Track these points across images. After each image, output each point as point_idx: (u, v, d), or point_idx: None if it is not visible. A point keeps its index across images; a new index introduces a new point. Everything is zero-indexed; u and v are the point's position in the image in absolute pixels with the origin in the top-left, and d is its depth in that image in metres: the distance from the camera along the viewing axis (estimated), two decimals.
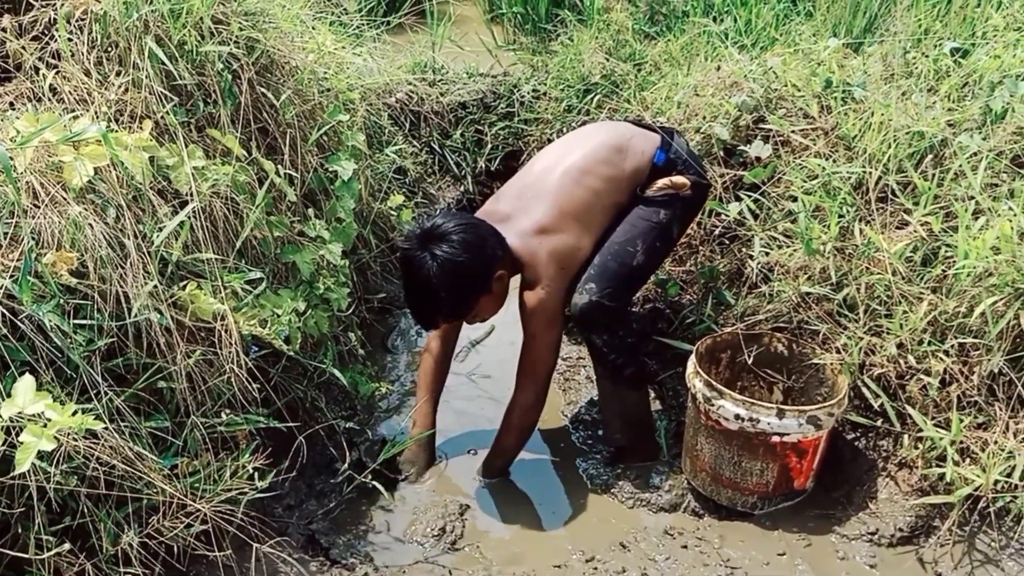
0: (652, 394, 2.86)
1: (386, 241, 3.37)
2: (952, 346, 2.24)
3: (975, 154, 2.51)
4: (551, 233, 2.44)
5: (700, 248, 3.04)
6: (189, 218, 2.07)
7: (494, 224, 2.45)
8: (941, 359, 2.24)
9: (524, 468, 2.65)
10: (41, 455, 1.58)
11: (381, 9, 4.70)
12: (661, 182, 2.59)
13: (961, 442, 2.15)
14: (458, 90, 4.30)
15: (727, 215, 2.80)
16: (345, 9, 4.08)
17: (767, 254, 2.66)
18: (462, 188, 4.13)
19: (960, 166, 2.45)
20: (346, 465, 2.46)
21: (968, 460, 2.15)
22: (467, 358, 3.20)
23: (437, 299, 2.32)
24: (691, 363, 2.43)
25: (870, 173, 2.58)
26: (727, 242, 2.98)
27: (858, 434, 2.50)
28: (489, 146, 4.19)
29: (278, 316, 2.29)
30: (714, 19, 4.62)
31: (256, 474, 2.06)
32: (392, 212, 3.38)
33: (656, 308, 3.12)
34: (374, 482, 2.41)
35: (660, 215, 2.57)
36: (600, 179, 2.52)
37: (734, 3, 4.65)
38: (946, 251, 2.37)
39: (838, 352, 2.43)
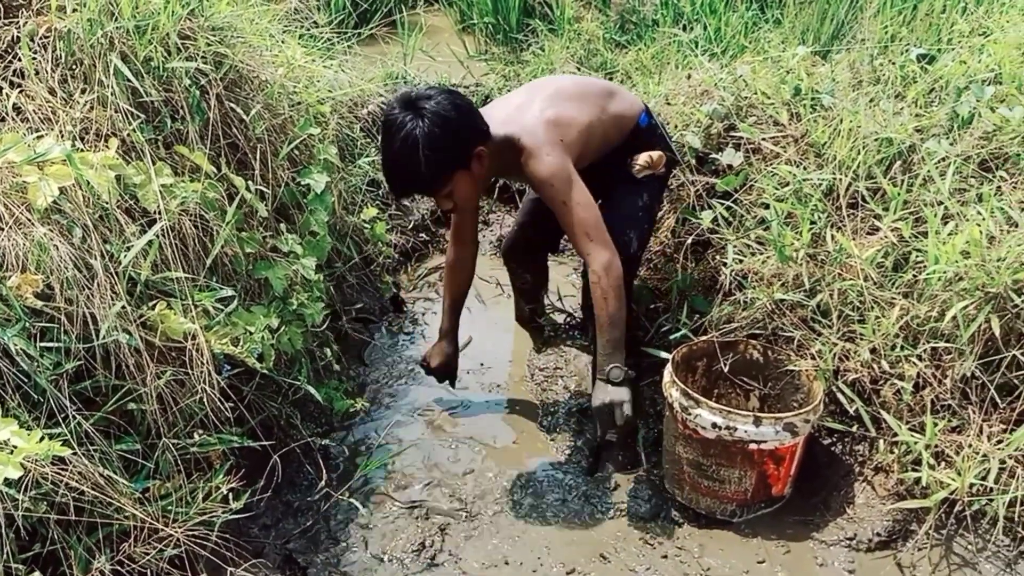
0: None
1: (360, 254, 3.34)
2: (925, 350, 2.25)
3: (943, 159, 2.54)
4: (546, 108, 2.48)
5: (675, 256, 3.04)
6: (157, 237, 2.04)
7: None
8: (914, 363, 2.26)
9: (503, 479, 2.64)
10: (8, 482, 1.55)
11: (352, 21, 4.69)
12: (642, 159, 2.66)
13: (936, 446, 2.17)
14: None
15: (700, 223, 2.81)
16: (315, 21, 4.06)
17: (740, 261, 2.68)
18: None
19: (928, 172, 2.48)
20: (323, 483, 2.43)
21: (943, 464, 2.16)
22: None
23: (416, 162, 2.25)
24: (667, 372, 2.43)
25: (840, 180, 2.60)
26: (700, 250, 2.99)
27: (835, 439, 2.52)
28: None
29: (251, 334, 2.27)
30: (684, 27, 4.65)
31: (230, 495, 2.03)
32: (366, 224, 3.36)
33: (632, 316, 3.12)
34: (351, 499, 2.39)
35: (644, 198, 2.67)
36: (592, 104, 2.58)
37: (703, 11, 4.68)
38: (917, 256, 2.39)
39: (813, 358, 2.44)
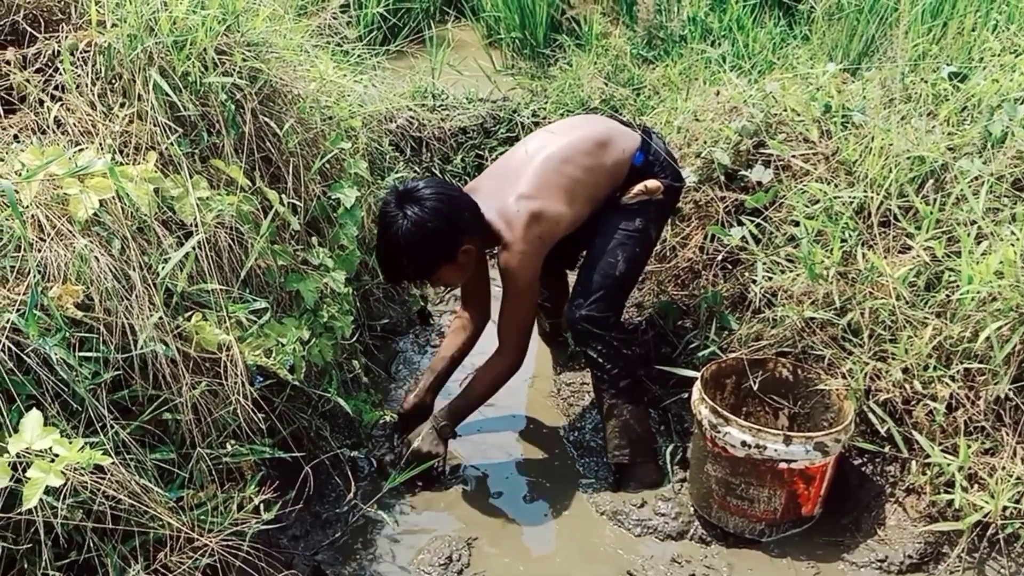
0: (656, 419, 2.86)
1: None
2: (958, 371, 2.24)
3: (976, 178, 2.52)
4: (532, 199, 2.52)
5: (703, 273, 3.04)
6: (194, 249, 2.07)
7: (474, 196, 2.53)
8: (947, 384, 2.24)
9: (530, 495, 2.64)
10: (48, 490, 1.57)
11: (381, 36, 4.74)
12: (636, 189, 2.67)
13: (969, 468, 2.14)
14: (458, 115, 4.32)
15: (729, 240, 2.80)
16: (346, 36, 4.11)
17: (770, 279, 2.67)
18: None
19: (961, 191, 2.46)
20: (352, 495, 2.45)
21: (976, 486, 2.14)
22: None
23: (401, 257, 2.43)
24: (696, 389, 2.43)
25: (871, 198, 2.59)
26: (730, 267, 2.98)
27: (865, 460, 2.49)
28: None
29: (282, 345, 2.29)
30: (712, 43, 4.66)
31: (262, 506, 2.05)
32: None
33: (659, 334, 3.12)
34: (379, 511, 2.41)
35: (636, 222, 2.66)
36: (580, 169, 2.60)
37: (732, 28, 4.69)
38: (949, 276, 2.38)
39: (843, 377, 2.43)
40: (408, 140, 4.08)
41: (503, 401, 3.08)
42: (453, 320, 2.89)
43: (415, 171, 4.04)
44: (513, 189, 2.54)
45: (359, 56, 3.91)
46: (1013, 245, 2.22)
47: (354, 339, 2.76)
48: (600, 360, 2.59)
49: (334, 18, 4.27)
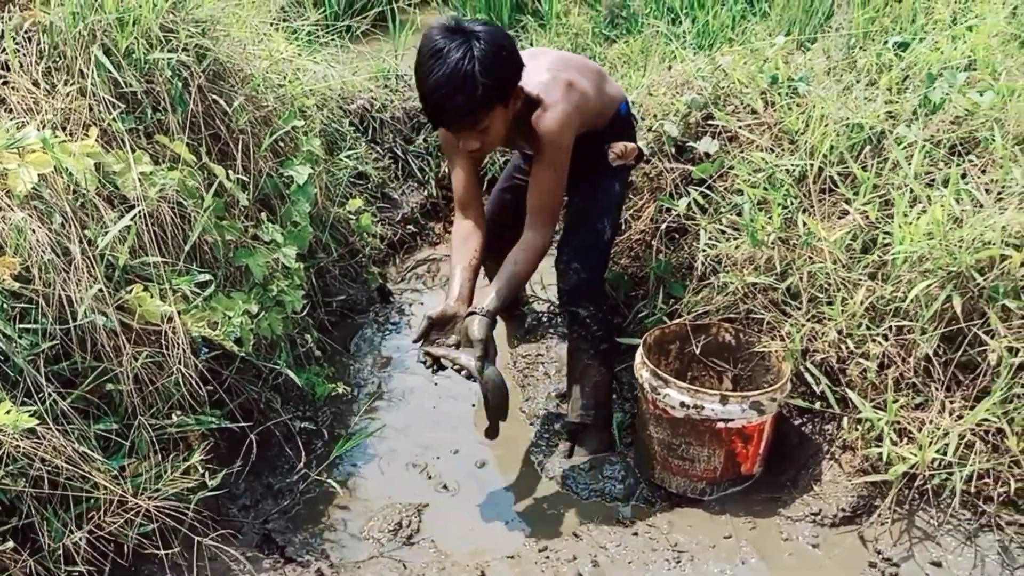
0: None
1: (345, 245, 3.40)
2: (889, 329, 2.29)
3: (912, 144, 2.57)
4: (563, 71, 2.46)
5: (652, 243, 3.08)
6: (135, 222, 2.10)
7: None
8: (879, 343, 2.29)
9: (481, 462, 2.69)
10: None
11: (349, 17, 4.75)
12: (618, 147, 2.68)
13: (898, 422, 2.20)
14: None
15: (676, 209, 2.85)
16: (307, 17, 4.13)
17: (715, 246, 2.72)
18: (425, 192, 4.16)
19: (897, 157, 2.51)
20: (302, 464, 2.49)
21: (906, 440, 2.20)
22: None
23: (472, 85, 2.14)
24: (639, 354, 2.47)
25: (811, 165, 2.64)
26: (677, 236, 3.03)
27: (805, 419, 2.55)
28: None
29: (229, 318, 2.32)
30: (673, 21, 4.69)
31: (206, 473, 2.09)
32: (351, 216, 3.42)
33: (612, 305, 3.16)
34: (329, 480, 2.45)
35: (616, 187, 2.71)
36: (588, 81, 2.55)
37: (692, 6, 4.72)
38: (884, 238, 2.43)
39: (782, 340, 2.48)
40: (370, 120, 4.10)
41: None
42: (455, 231, 2.62)
43: (376, 151, 4.07)
44: (539, 66, 2.46)
45: (316, 36, 3.93)
46: (943, 206, 2.27)
47: (307, 314, 2.79)
48: (588, 321, 2.61)
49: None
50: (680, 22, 4.66)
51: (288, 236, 2.74)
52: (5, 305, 1.84)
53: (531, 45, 4.66)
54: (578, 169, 2.65)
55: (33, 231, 1.91)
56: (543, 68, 2.48)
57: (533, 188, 2.46)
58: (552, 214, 2.49)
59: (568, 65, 2.57)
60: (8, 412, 1.57)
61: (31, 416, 1.63)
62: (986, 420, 2.12)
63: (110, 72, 2.32)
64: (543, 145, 2.41)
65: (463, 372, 2.33)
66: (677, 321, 2.63)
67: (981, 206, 2.32)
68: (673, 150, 3.13)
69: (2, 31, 2.32)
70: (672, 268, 2.97)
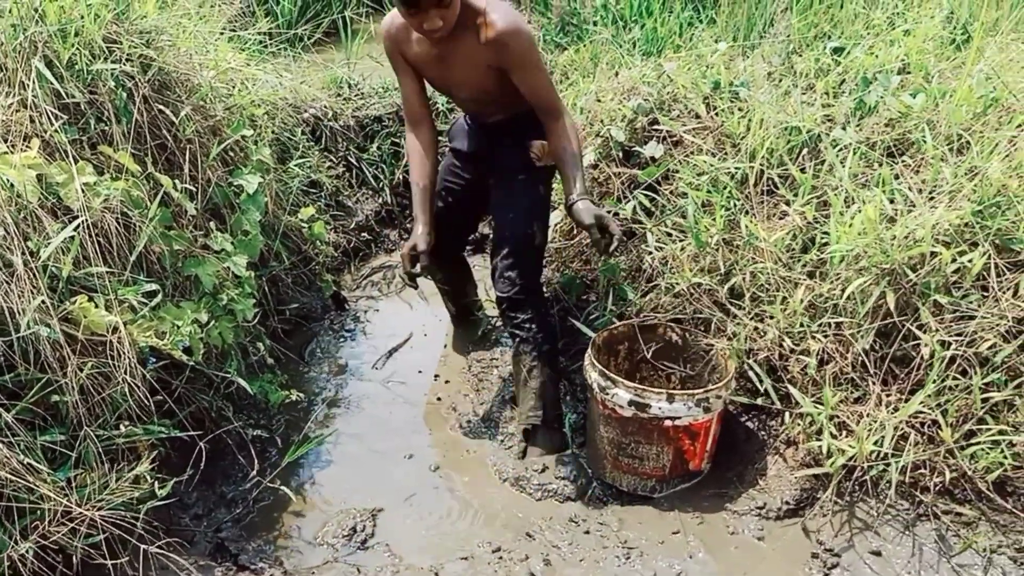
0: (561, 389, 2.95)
1: (299, 253, 3.40)
2: (828, 324, 2.36)
3: (848, 146, 2.65)
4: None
5: None
6: (79, 233, 2.10)
7: None
8: (818, 339, 2.36)
9: (435, 465, 2.71)
10: None
11: (303, 27, 4.75)
12: (536, 147, 2.67)
13: (837, 416, 2.27)
14: (373, 104, 4.36)
15: (623, 212, 2.90)
16: (257, 28, 4.13)
17: (661, 249, 2.77)
18: (380, 200, 4.18)
19: (833, 158, 2.59)
20: (254, 471, 2.49)
21: (845, 433, 2.27)
22: (384, 365, 3.25)
23: None
24: (588, 355, 2.52)
25: (752, 168, 2.71)
26: (626, 239, 3.08)
27: (751, 416, 2.61)
28: (405, 158, 4.25)
29: (178, 327, 2.32)
30: (623, 28, 4.77)
31: (155, 483, 2.08)
32: (304, 224, 3.42)
33: (564, 308, 3.21)
34: (282, 487, 2.45)
35: (540, 189, 2.72)
36: None
37: (641, 13, 4.80)
38: (822, 238, 2.50)
39: (728, 339, 2.54)
40: (323, 129, 4.10)
41: (414, 379, 3.15)
42: (409, 147, 2.73)
43: (330, 160, 4.07)
44: None
45: (267, 47, 3.93)
46: (876, 206, 2.35)
47: (259, 323, 2.78)
48: (529, 324, 2.66)
49: (247, 9, 4.31)
50: (630, 29, 4.73)
51: (238, 245, 2.74)
52: None
53: None
54: (500, 173, 2.67)
55: None
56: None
57: (537, 90, 2.49)
58: (557, 99, 2.52)
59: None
60: None
61: None
62: (921, 412, 2.19)
63: (52, 83, 2.31)
64: (509, 51, 2.39)
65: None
66: (625, 322, 2.68)
67: (913, 205, 2.41)
68: (620, 155, 3.19)
69: None
70: (621, 271, 3.02)
